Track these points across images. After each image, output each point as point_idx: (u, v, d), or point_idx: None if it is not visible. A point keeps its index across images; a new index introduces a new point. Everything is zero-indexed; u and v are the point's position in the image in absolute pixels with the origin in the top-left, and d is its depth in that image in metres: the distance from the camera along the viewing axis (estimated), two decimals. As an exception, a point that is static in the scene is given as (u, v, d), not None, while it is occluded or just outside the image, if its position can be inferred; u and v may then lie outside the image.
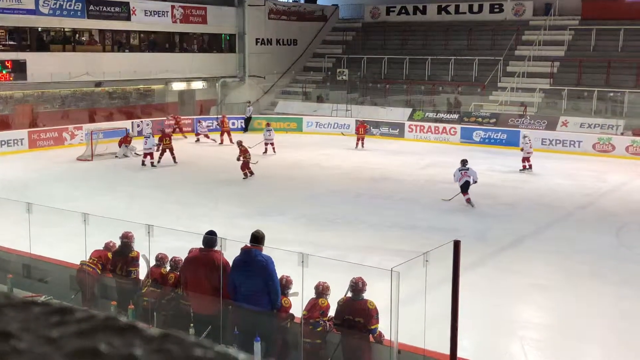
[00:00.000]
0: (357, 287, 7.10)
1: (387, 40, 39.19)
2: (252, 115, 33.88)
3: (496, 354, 8.80)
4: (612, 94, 30.41)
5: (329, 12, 42.84)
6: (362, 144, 28.03)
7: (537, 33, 34.87)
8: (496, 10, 37.53)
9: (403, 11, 40.48)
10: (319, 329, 7.12)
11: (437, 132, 31.21)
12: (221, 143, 28.44)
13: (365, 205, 17.75)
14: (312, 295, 7.29)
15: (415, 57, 36.29)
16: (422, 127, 31.75)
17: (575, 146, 27.87)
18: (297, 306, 7.15)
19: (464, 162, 17.56)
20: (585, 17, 34.47)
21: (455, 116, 32.08)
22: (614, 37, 32.70)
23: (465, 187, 17.26)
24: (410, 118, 32.89)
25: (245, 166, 21.14)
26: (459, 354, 5.95)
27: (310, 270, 6.77)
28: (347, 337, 7.10)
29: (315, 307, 7.22)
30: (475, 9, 38.20)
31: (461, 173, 17.22)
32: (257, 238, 7.20)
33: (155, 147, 23.60)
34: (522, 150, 22.99)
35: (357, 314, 7.01)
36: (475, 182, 17.45)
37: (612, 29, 32.71)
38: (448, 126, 31.17)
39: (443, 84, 35.31)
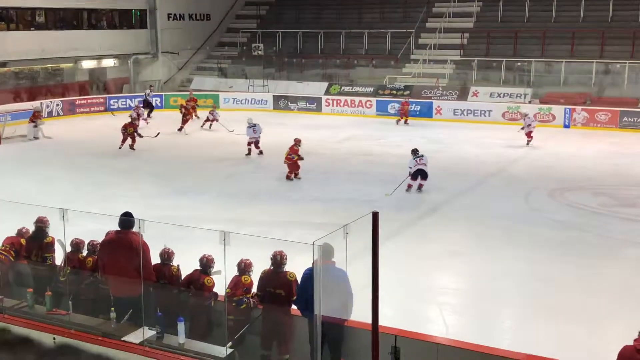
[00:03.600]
0: (276, 260, 7.21)
1: (302, 15, 39.06)
2: (164, 94, 33.05)
3: (417, 320, 9.08)
4: (519, 64, 31.45)
5: (242, -14, 42.27)
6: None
7: (446, 5, 35.50)
8: (407, -17, 37.94)
9: (316, -15, 40.39)
10: (243, 306, 7.17)
11: (353, 105, 31.54)
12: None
13: (287, 181, 17.82)
14: (235, 272, 7.32)
15: (330, 31, 36.36)
16: (338, 101, 32.00)
17: (485, 115, 28.76)
18: (221, 284, 7.17)
19: (415, 152, 17.03)
20: (492, -12, 35.36)
21: (371, 89, 32.45)
22: (520, 8, 33.71)
23: (418, 174, 16.63)
24: (327, 92, 33.07)
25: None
26: (381, 322, 6.13)
27: (232, 248, 6.78)
28: (268, 309, 7.20)
29: (239, 285, 7.26)
30: (387, -18, 38.51)
31: (416, 161, 16.68)
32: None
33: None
34: (522, 128, 23.42)
35: (278, 286, 7.12)
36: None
37: (518, 0, 33.69)
38: (364, 99, 31.54)
39: (358, 57, 35.60)
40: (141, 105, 29.13)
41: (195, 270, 7.60)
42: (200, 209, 14.82)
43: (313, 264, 6.31)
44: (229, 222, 12.81)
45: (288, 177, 17.86)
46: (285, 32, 37.60)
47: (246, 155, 21.12)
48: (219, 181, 17.93)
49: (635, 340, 5.68)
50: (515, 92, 29.78)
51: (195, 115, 27.61)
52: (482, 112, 28.96)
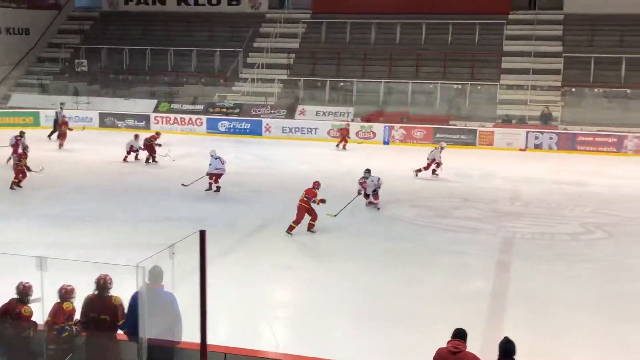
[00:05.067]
0: (99, 284, 7.03)
1: (128, 31, 38.15)
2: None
3: (249, 337, 9.19)
4: (342, 84, 32.89)
5: (63, 0, 40.47)
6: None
7: (273, 25, 36.34)
8: (234, 2, 38.32)
9: (142, 1, 39.61)
10: (64, 334, 6.91)
11: (183, 123, 31.26)
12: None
13: (116, 201, 17.29)
14: (57, 299, 7.05)
15: (157, 47, 35.80)
16: (168, 119, 31.55)
17: (312, 133, 29.73)
18: (40, 313, 6.87)
19: (368, 171, 17.06)
20: (315, 10, 36.67)
21: (201, 107, 32.34)
22: (342, 30, 35.27)
23: (372, 192, 16.83)
24: (156, 109, 32.50)
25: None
26: (212, 341, 6.18)
27: (54, 273, 6.54)
28: (92, 336, 7.00)
29: (60, 312, 6.99)
30: (214, 1, 38.64)
31: (361, 183, 16.86)
32: None
33: None
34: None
35: (102, 311, 6.94)
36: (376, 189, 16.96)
37: (340, 22, 35.21)
38: (194, 117, 31.38)
39: (186, 75, 35.36)
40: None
41: (12, 300, 7.21)
42: (18, 233, 13.99)
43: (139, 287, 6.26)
44: (52, 246, 12.23)
45: (290, 230, 14.37)
46: (110, 47, 36.50)
47: (207, 190, 18.55)
48: (39, 202, 17.01)
49: (448, 342, 6.18)
50: (339, 111, 31.08)
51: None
52: (309, 129, 29.89)
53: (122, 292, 7.08)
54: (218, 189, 18.56)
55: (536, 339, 9.00)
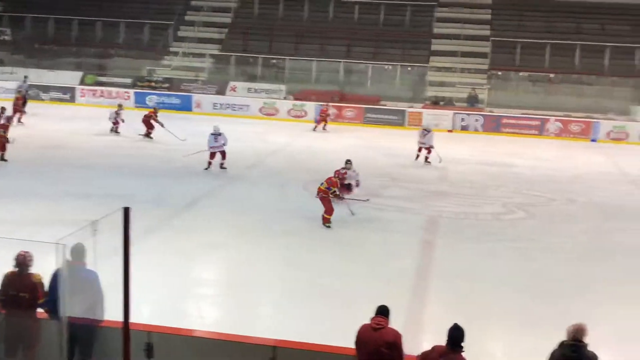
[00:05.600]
0: (19, 261, 6.85)
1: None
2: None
3: (175, 315, 9.13)
4: (274, 61, 32.71)
5: (-18, -36, 38.65)
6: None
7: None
8: (162, -26, 37.47)
9: (70, -31, 38.24)
10: (-18, 312, 6.73)
11: (110, 96, 30.49)
12: None
13: (38, 176, 16.78)
14: (-26, 277, 6.84)
15: (86, 18, 34.71)
16: (94, 92, 30.74)
17: (244, 110, 29.53)
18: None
19: (349, 162, 15.60)
20: (249, -16, 36.27)
21: (129, 80, 31.60)
22: (275, 6, 35.01)
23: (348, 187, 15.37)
24: (82, 82, 31.59)
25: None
26: (137, 319, 6.10)
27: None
28: (11, 314, 6.83)
29: (-23, 290, 6.79)
30: (145, -29, 37.65)
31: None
32: None
33: None
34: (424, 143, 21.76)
35: (22, 289, 6.78)
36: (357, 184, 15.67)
37: (273, -1, 34.99)
38: (122, 90, 30.64)
39: (115, 47, 34.45)
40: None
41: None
42: None
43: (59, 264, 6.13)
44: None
45: (326, 222, 13.53)
46: (36, 16, 35.12)
47: (205, 169, 18.31)
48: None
49: (371, 319, 6.30)
50: (271, 89, 30.93)
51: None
52: (240, 106, 29.68)
53: (44, 269, 6.92)
54: (221, 165, 18.30)
55: (458, 318, 9.23)
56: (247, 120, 28.15)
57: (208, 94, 30.57)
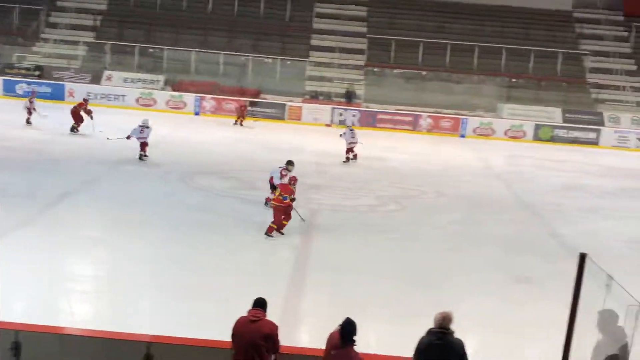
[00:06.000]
0: None
1: None
2: None
3: (47, 313, 8.85)
4: (152, 50, 32.05)
5: None
6: None
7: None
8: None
9: None
10: None
11: (-26, 84, 28.80)
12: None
13: None
14: None
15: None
16: (-44, 78, 28.90)
17: (120, 100, 28.76)
18: None
19: (291, 163, 14.68)
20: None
21: (-3, 67, 29.99)
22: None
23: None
24: (-58, 67, 29.61)
25: None
26: (6, 318, 5.95)
27: None
28: None
29: None
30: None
31: (281, 172, 14.43)
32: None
33: None
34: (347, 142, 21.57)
35: None
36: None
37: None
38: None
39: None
40: None
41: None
42: None
43: None
44: None
45: (270, 232, 12.80)
46: None
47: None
48: None
49: (249, 311, 6.40)
50: (148, 79, 30.31)
51: None
52: (116, 96, 28.88)
53: None
54: (140, 157, 18.74)
55: (337, 309, 9.53)
56: (123, 110, 27.42)
57: (82, 82, 29.50)
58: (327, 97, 31.35)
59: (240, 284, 10.22)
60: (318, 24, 34.45)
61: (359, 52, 33.31)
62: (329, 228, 14.02)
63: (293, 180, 13.34)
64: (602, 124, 30.25)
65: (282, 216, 12.90)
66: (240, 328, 6.28)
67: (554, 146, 28.59)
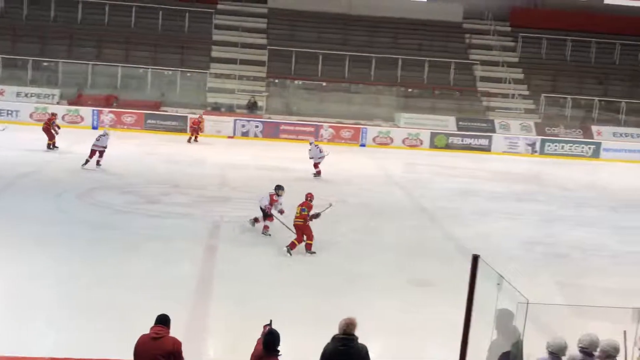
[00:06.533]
0: None
1: None
2: None
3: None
4: (46, 64, 31.05)
5: None
6: None
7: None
8: None
9: None
10: None
11: None
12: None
13: None
14: None
15: None
16: None
17: (13, 116, 27.70)
18: None
19: (281, 188, 14.58)
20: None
21: None
22: (46, 7, 33.15)
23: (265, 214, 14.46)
24: None
25: None
26: None
27: None
28: None
29: None
30: None
31: (271, 197, 14.31)
32: None
33: None
34: (311, 158, 21.66)
35: None
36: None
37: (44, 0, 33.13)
38: None
39: None
40: None
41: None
42: None
43: None
44: None
45: (293, 247, 13.08)
46: None
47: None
48: None
49: (151, 328, 6.38)
50: (43, 93, 29.36)
51: None
52: (9, 112, 27.82)
53: None
54: (97, 163, 19.89)
55: (243, 322, 9.60)
56: (17, 126, 26.38)
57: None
58: (229, 109, 31.32)
59: (143, 300, 10.02)
60: (218, 36, 34.39)
61: (260, 63, 33.48)
62: (233, 240, 14.06)
63: (310, 197, 13.75)
64: (493, 130, 31.68)
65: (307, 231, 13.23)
66: (142, 346, 6.22)
67: (449, 153, 29.71)
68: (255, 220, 14.66)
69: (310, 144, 22.59)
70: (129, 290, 10.60)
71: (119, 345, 6.96)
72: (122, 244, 13.22)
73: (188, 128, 27.83)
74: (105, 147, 20.07)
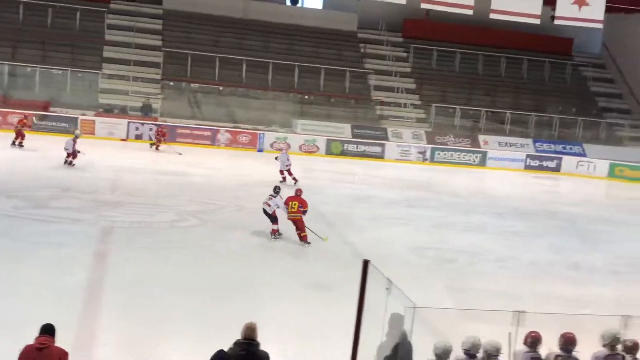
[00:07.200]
0: None
1: None
2: None
3: None
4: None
5: None
6: None
7: None
8: None
9: None
10: None
11: None
12: None
13: None
14: None
15: None
16: None
17: None
18: None
19: (276, 189, 15.55)
20: None
21: None
22: None
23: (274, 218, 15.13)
24: None
25: None
26: None
27: None
28: None
29: None
30: None
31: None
32: None
33: None
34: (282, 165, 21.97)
35: None
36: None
37: None
38: None
39: None
40: None
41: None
42: None
43: None
44: None
45: (304, 239, 14.80)
46: None
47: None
48: None
49: (36, 339, 6.15)
50: None
51: None
52: None
53: None
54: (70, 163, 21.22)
55: (135, 329, 9.42)
56: None
57: None
58: (123, 111, 30.50)
59: (28, 310, 9.56)
60: (110, 36, 33.43)
61: (155, 65, 32.82)
62: (126, 245, 13.73)
63: (300, 191, 15.37)
64: (386, 138, 32.49)
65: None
66: (27, 356, 6.02)
67: (345, 160, 30.23)
68: (274, 231, 15.12)
69: (282, 151, 23.90)
70: (17, 300, 10.14)
71: (3, 356, 6.65)
72: (11, 251, 12.52)
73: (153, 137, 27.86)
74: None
